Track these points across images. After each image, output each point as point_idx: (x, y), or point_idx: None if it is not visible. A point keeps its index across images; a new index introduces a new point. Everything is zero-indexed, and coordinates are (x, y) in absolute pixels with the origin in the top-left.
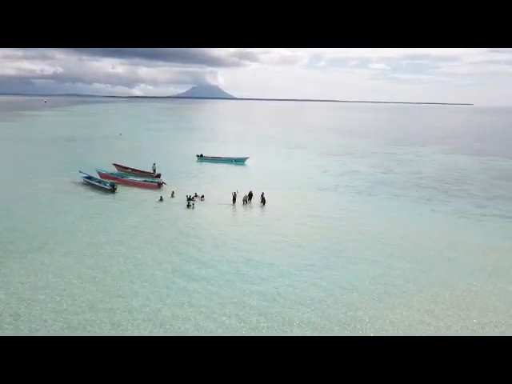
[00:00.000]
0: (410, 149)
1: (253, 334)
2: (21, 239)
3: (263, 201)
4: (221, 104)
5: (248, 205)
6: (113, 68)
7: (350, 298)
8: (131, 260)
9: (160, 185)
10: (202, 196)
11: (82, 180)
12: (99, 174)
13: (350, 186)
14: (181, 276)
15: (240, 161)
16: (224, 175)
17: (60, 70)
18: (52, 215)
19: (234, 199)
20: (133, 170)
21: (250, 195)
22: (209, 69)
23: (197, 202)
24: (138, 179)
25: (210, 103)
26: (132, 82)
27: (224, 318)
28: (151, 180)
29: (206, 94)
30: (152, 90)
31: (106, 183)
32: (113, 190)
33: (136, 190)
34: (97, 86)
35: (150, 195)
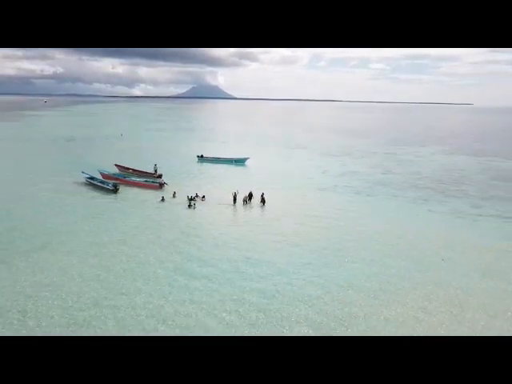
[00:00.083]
0: (410, 149)
1: (253, 333)
2: (24, 239)
3: (263, 201)
4: (221, 104)
5: (248, 205)
6: (113, 68)
7: (346, 296)
8: (134, 259)
9: (161, 185)
10: (203, 196)
11: (84, 180)
12: (101, 174)
13: (349, 186)
14: (182, 274)
15: (240, 161)
16: (224, 176)
17: (60, 69)
18: (54, 215)
19: (235, 199)
20: (134, 170)
21: (250, 195)
22: (209, 69)
23: (198, 202)
24: (140, 180)
25: (210, 103)
26: (132, 81)
27: (224, 315)
28: (153, 180)
29: (206, 93)
30: (152, 90)
31: (109, 184)
32: (115, 191)
33: (138, 191)
34: (97, 85)
35: (152, 195)
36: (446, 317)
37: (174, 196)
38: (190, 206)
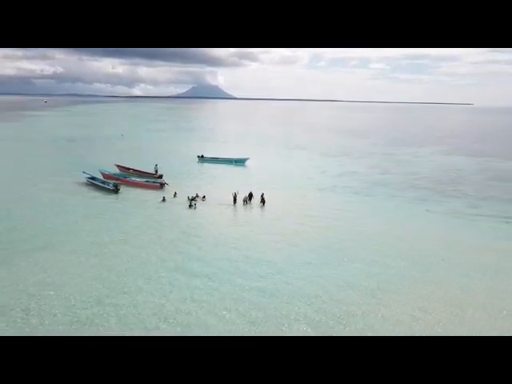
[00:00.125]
0: (409, 149)
1: (252, 330)
2: (25, 238)
3: (263, 201)
4: (221, 104)
5: (248, 205)
6: (113, 68)
7: (344, 295)
8: (135, 258)
9: (162, 185)
10: (203, 196)
11: (85, 180)
12: (102, 174)
13: (349, 186)
14: (183, 273)
15: (240, 161)
16: (224, 176)
17: (60, 69)
18: (55, 215)
19: (235, 200)
20: (135, 170)
21: (250, 196)
22: (209, 69)
23: (198, 203)
24: (141, 180)
25: (210, 103)
26: (132, 81)
27: (224, 313)
28: (153, 181)
29: (206, 93)
30: (152, 90)
31: (110, 184)
32: (116, 191)
33: (139, 191)
34: (97, 85)
35: (153, 196)
36: (444, 316)
37: (174, 196)
38: (190, 206)
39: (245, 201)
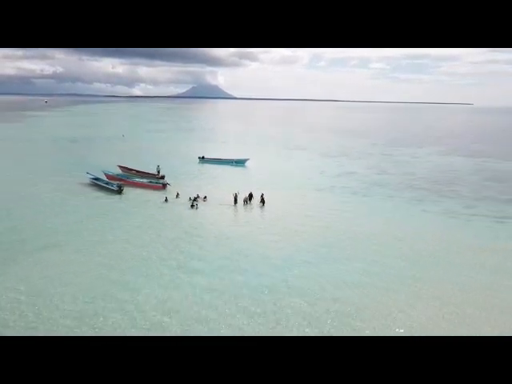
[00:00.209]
0: (407, 150)
1: (251, 325)
2: (30, 237)
3: (262, 201)
4: (221, 104)
5: (248, 205)
6: (113, 68)
7: (342, 293)
8: (138, 257)
9: (164, 186)
10: (205, 197)
11: (88, 181)
12: (106, 175)
13: (347, 187)
14: (185, 271)
15: (240, 162)
16: (225, 176)
17: (60, 69)
18: (60, 215)
19: (236, 200)
20: (137, 171)
21: (251, 196)
22: (209, 68)
23: (200, 203)
24: (143, 180)
25: (210, 103)
26: (132, 81)
27: (224, 308)
28: (156, 181)
29: (206, 93)
30: (152, 90)
31: (113, 184)
32: (119, 191)
33: (141, 191)
34: (97, 85)
35: (155, 196)
36: (443, 315)
37: (177, 196)
38: (192, 206)
39: (245, 201)
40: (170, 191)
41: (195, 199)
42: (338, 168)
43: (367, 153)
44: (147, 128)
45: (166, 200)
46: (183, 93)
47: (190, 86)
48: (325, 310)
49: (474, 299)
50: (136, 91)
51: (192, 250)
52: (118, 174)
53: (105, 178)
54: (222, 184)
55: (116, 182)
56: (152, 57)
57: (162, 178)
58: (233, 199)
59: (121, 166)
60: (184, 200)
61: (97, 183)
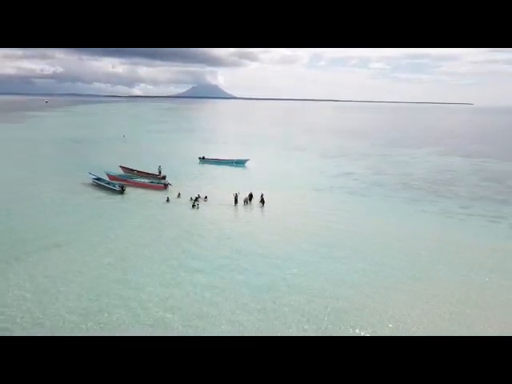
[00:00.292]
0: (406, 150)
1: (250, 321)
2: (34, 237)
3: (262, 201)
4: (221, 104)
5: (248, 205)
6: (113, 67)
7: (339, 290)
8: (140, 256)
9: (166, 186)
10: (206, 197)
11: (91, 181)
12: (108, 175)
13: (346, 187)
14: (186, 270)
15: (240, 163)
16: (225, 177)
17: (60, 69)
18: (64, 215)
19: (236, 200)
20: (139, 171)
21: (251, 196)
22: (209, 68)
23: (201, 203)
24: (145, 181)
25: (210, 103)
26: (132, 81)
27: (225, 305)
28: (158, 181)
29: (206, 93)
30: (152, 90)
31: (115, 185)
32: (122, 192)
33: (143, 191)
34: (97, 85)
35: (157, 196)
36: (443, 314)
37: (178, 196)
38: (193, 206)
39: (245, 201)
40: (172, 191)
41: (196, 199)
42: (337, 168)
43: (366, 153)
44: (148, 128)
45: (168, 200)
46: (183, 93)
47: (190, 86)
48: (323, 308)
49: (474, 299)
50: (136, 91)
51: (193, 249)
52: (119, 175)
53: (107, 179)
54: (222, 184)
55: (118, 183)
56: (152, 57)
57: (164, 178)
58: (233, 199)
59: (122, 167)
60: (185, 200)
61: (99, 183)
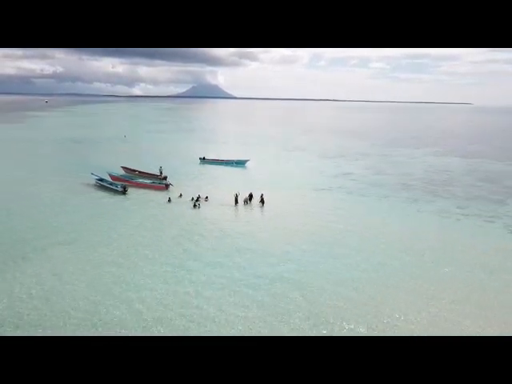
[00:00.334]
0: (405, 151)
1: (249, 318)
2: (38, 236)
3: (262, 201)
4: (221, 103)
5: (248, 205)
6: (113, 67)
7: (336, 288)
8: (142, 255)
9: (167, 186)
10: (206, 197)
11: (93, 182)
12: (110, 176)
13: (345, 187)
14: (187, 269)
15: (240, 163)
16: (226, 177)
17: (60, 69)
18: (67, 215)
19: (236, 200)
20: (140, 172)
21: (251, 196)
22: (209, 68)
23: (202, 203)
24: (147, 181)
25: (210, 103)
26: (132, 81)
27: (223, 302)
28: (159, 182)
29: (206, 93)
30: (152, 90)
31: (118, 185)
32: (124, 192)
33: (145, 192)
34: (97, 85)
35: (159, 196)
36: (442, 314)
37: (180, 196)
38: (195, 206)
39: (245, 201)
40: (173, 191)
41: (197, 199)
42: (336, 168)
43: (366, 153)
44: (148, 128)
45: (170, 200)
46: (183, 92)
47: (190, 86)
48: (324, 308)
49: (474, 298)
50: (136, 91)
51: (194, 248)
52: (121, 175)
53: (109, 179)
54: (222, 184)
55: (120, 183)
56: (152, 56)
57: (165, 178)
58: (233, 199)
59: (124, 167)
60: (186, 200)
61: (101, 184)
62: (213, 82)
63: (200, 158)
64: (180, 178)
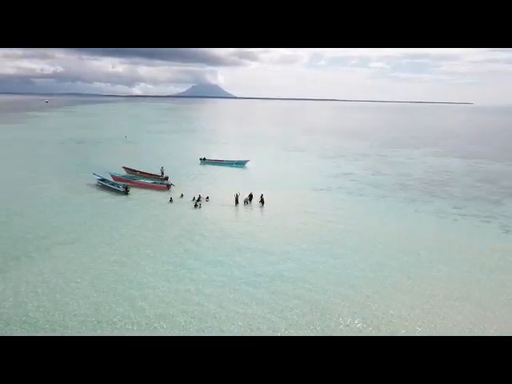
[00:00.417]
0: (404, 151)
1: (248, 316)
2: (41, 236)
3: (262, 201)
4: (221, 103)
5: (248, 205)
6: (113, 67)
7: (336, 288)
8: (144, 254)
9: (169, 186)
10: (207, 197)
11: (95, 182)
12: (112, 176)
13: (344, 187)
14: (188, 267)
15: (241, 163)
16: (226, 177)
17: (60, 69)
18: (70, 214)
19: (237, 200)
20: (141, 172)
21: (251, 196)
22: (209, 68)
23: (202, 203)
24: (149, 181)
25: (210, 102)
26: (132, 81)
27: (224, 299)
28: (160, 182)
29: (206, 93)
30: (152, 89)
31: (119, 185)
32: (126, 192)
33: (147, 192)
34: (97, 85)
35: (160, 196)
36: (441, 313)
37: (181, 196)
38: (196, 206)
39: (245, 201)
40: (174, 192)
41: (198, 199)
42: (336, 169)
43: (365, 154)
44: (148, 129)
45: (171, 200)
46: (183, 92)
47: (190, 86)
48: (323, 307)
49: (473, 298)
50: (136, 91)
51: (195, 248)
52: (123, 176)
53: (111, 179)
54: (222, 185)
55: (122, 183)
56: (152, 56)
57: (166, 178)
58: (234, 199)
59: (126, 168)
60: (188, 200)
61: (103, 184)
62: (213, 81)
63: (200, 159)
64: (181, 179)
